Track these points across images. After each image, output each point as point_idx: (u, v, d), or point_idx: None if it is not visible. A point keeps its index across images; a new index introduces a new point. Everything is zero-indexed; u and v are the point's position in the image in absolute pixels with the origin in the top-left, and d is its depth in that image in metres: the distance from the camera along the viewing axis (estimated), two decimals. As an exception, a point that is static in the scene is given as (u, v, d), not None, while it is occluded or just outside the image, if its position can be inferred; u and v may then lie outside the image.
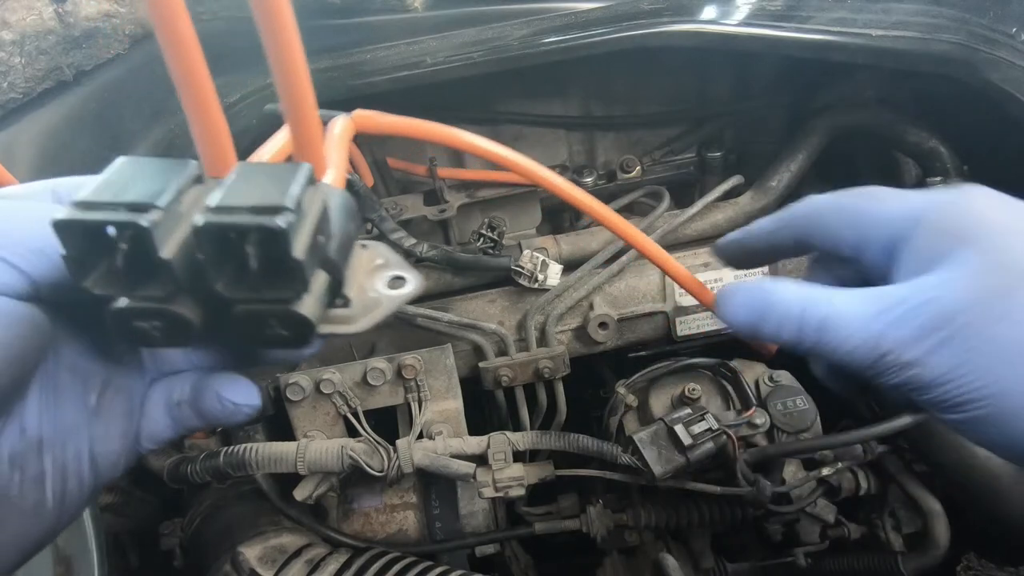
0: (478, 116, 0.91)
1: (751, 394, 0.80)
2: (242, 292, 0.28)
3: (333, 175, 0.36)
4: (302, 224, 0.27)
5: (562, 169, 0.96)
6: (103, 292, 0.28)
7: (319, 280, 0.30)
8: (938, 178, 0.85)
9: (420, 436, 0.75)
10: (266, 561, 0.71)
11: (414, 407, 0.75)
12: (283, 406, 0.75)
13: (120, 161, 0.29)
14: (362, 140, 0.85)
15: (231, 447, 0.72)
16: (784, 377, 0.83)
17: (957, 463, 0.79)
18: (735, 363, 0.82)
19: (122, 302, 0.28)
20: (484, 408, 0.85)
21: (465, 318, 0.76)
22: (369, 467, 0.71)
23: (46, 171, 0.64)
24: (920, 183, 0.87)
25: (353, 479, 0.79)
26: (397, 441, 0.73)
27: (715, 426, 0.72)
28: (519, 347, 0.77)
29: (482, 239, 0.79)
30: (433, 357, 0.75)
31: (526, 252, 0.77)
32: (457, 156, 0.93)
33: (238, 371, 0.37)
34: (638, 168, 0.95)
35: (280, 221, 0.26)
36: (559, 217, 0.99)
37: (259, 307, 0.29)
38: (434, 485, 0.82)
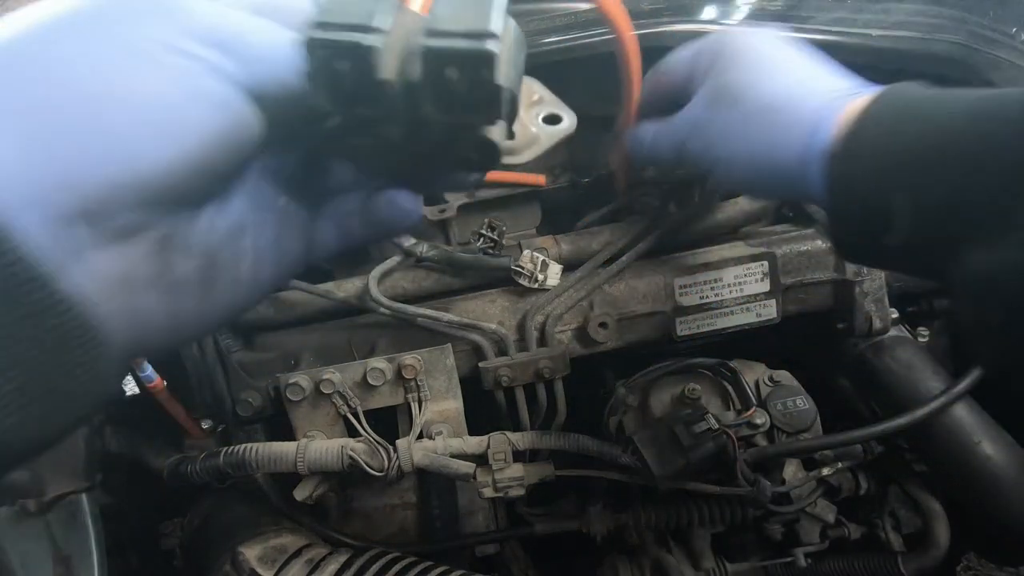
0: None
1: (751, 394, 0.80)
2: (444, 114, 0.31)
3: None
4: (503, 51, 0.28)
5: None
6: (331, 109, 0.31)
7: (506, 108, 0.31)
8: (938, 178, 0.85)
9: (420, 436, 0.75)
10: (266, 561, 0.71)
11: (414, 407, 0.75)
12: (283, 406, 0.75)
13: None
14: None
15: (231, 447, 0.72)
16: (784, 377, 0.83)
17: (957, 463, 0.79)
18: (735, 363, 0.82)
19: (337, 119, 0.31)
20: (484, 408, 0.85)
21: (465, 318, 0.76)
22: (369, 467, 0.71)
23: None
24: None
25: (353, 479, 0.79)
26: (397, 441, 0.73)
27: (715, 426, 0.72)
28: (519, 347, 0.77)
29: (482, 239, 0.79)
30: (433, 357, 0.75)
31: (526, 252, 0.77)
32: (457, 156, 0.92)
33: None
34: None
35: (492, 46, 0.28)
36: (559, 217, 0.99)
37: (456, 130, 0.32)
38: (434, 485, 0.82)
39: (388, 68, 0.29)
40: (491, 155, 0.33)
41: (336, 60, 0.29)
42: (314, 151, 0.38)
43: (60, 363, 0.27)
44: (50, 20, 0.29)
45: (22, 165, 0.26)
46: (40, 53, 0.28)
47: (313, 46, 0.29)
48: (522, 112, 0.32)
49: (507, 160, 0.34)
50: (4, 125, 0.26)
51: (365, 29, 0.28)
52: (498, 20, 0.29)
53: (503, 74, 0.29)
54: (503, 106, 0.30)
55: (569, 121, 0.41)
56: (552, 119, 0.34)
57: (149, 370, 0.76)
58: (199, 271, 0.34)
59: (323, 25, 0.29)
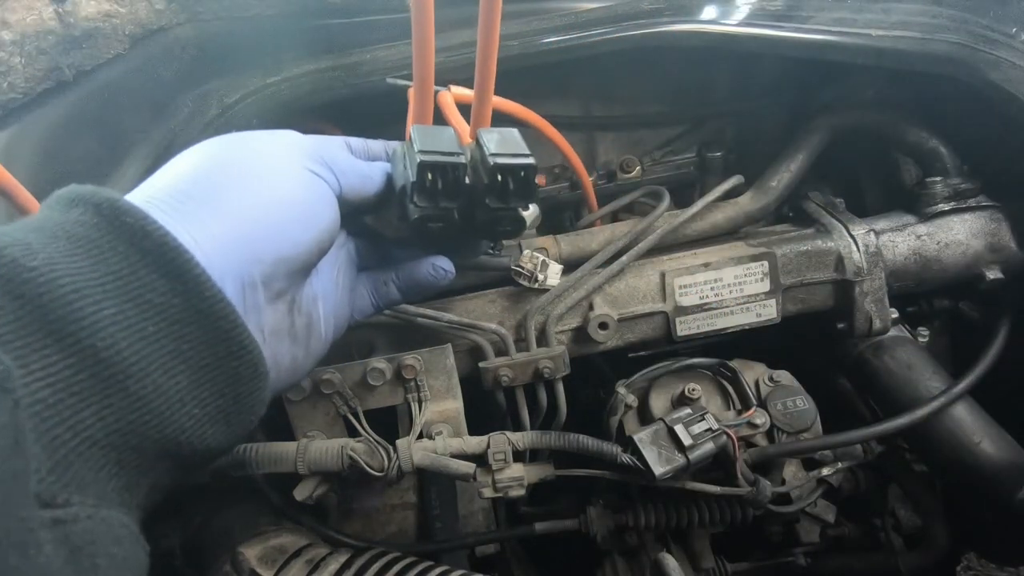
0: (478, 116, 0.91)
1: (751, 394, 0.80)
2: (496, 203, 0.50)
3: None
4: None
5: (562, 169, 0.96)
6: (424, 204, 0.48)
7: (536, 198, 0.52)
8: (938, 178, 0.85)
9: (420, 436, 0.75)
10: (266, 561, 0.71)
11: (414, 407, 0.75)
12: (283, 406, 0.75)
13: (416, 128, 0.50)
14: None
15: (231, 447, 0.72)
16: (784, 377, 0.83)
17: (957, 463, 0.79)
18: (735, 363, 0.82)
19: (418, 212, 0.48)
20: (484, 408, 0.85)
21: (465, 318, 0.76)
22: (369, 467, 0.71)
23: (46, 171, 0.64)
24: (920, 183, 0.87)
25: (353, 479, 0.79)
26: (397, 441, 0.73)
27: (715, 426, 0.72)
28: (519, 347, 0.77)
29: (482, 239, 0.79)
30: (433, 357, 0.75)
31: (526, 252, 0.77)
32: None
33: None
34: (638, 168, 0.95)
35: (533, 161, 0.50)
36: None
37: (501, 213, 0.51)
38: (434, 485, 0.82)
39: (469, 175, 0.50)
40: (520, 227, 0.54)
41: (435, 173, 0.48)
42: (374, 235, 0.57)
43: (242, 392, 0.37)
44: (223, 150, 0.43)
45: (224, 247, 0.38)
46: (225, 174, 0.41)
47: (423, 166, 0.47)
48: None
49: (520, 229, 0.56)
50: (213, 221, 0.38)
51: (454, 154, 0.48)
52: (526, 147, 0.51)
53: (534, 174, 0.50)
54: (536, 197, 0.51)
55: (536, 211, 0.73)
56: (528, 209, 0.57)
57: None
58: (305, 327, 0.47)
59: (426, 152, 0.47)
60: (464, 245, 0.61)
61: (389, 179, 0.52)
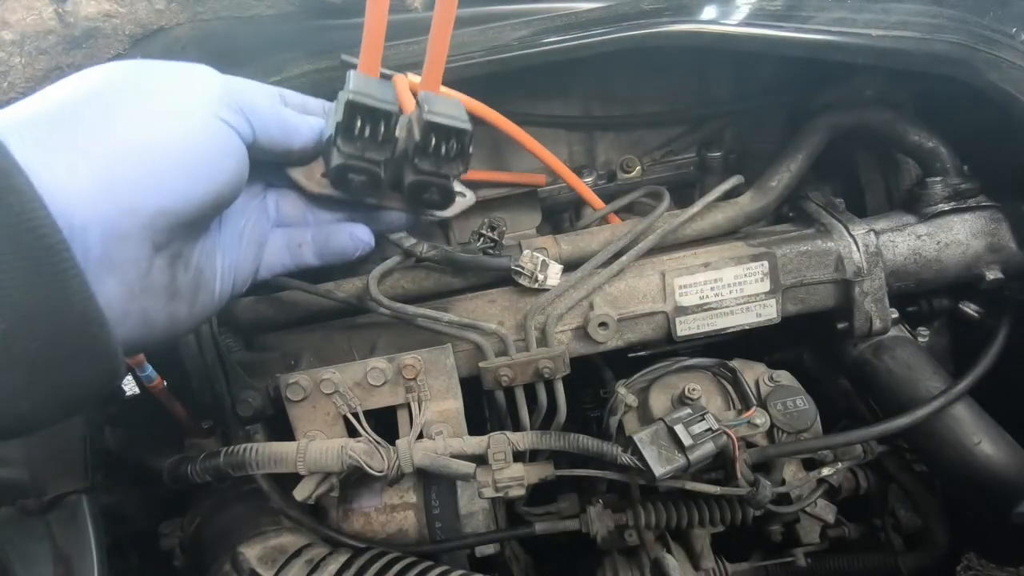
0: (478, 116, 0.91)
1: (751, 394, 0.80)
2: (427, 166, 0.48)
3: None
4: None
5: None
6: (349, 151, 0.46)
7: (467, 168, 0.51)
8: (938, 178, 0.85)
9: (420, 436, 0.75)
10: (266, 561, 0.71)
11: (414, 407, 0.75)
12: (283, 406, 0.75)
13: (355, 74, 0.48)
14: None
15: (231, 447, 0.72)
16: (784, 377, 0.83)
17: (957, 463, 0.79)
18: (735, 363, 0.82)
19: (341, 158, 0.46)
20: (484, 408, 0.85)
21: (465, 318, 0.76)
22: (369, 467, 0.71)
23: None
24: (920, 183, 0.87)
25: (353, 479, 0.79)
26: (397, 441, 0.73)
27: (715, 426, 0.72)
28: (519, 347, 0.77)
29: (482, 239, 0.79)
30: (433, 357, 0.75)
31: (526, 252, 0.77)
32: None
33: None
34: (638, 168, 0.95)
35: (469, 127, 0.48)
36: (559, 217, 0.99)
37: (430, 179, 0.49)
38: (434, 485, 0.82)
39: (400, 128, 0.47)
40: (448, 199, 0.52)
41: (364, 117, 0.45)
42: (296, 190, 0.52)
43: (71, 352, 0.33)
44: (113, 82, 0.38)
45: (91, 192, 0.34)
46: (108, 110, 0.36)
47: (351, 105, 0.44)
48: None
49: (438, 213, 0.56)
50: (83, 161, 0.34)
51: (387, 102, 0.45)
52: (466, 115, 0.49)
53: (469, 140, 0.48)
54: (467, 166, 0.49)
55: (471, 197, 0.62)
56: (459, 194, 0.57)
57: (149, 370, 0.76)
58: (192, 282, 0.43)
59: (357, 94, 0.44)
60: (388, 214, 0.57)
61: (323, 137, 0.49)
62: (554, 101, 0.93)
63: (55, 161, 0.33)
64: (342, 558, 0.71)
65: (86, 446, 0.75)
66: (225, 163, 0.41)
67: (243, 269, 0.50)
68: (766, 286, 0.79)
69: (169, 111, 0.38)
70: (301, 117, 0.48)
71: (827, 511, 0.89)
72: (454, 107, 0.48)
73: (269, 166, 0.50)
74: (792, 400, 0.80)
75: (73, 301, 0.32)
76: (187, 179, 0.38)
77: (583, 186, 0.85)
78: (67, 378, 0.33)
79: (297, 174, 0.52)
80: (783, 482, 0.81)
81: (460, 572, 0.69)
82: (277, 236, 0.53)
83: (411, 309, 0.75)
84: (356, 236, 0.53)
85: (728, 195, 0.85)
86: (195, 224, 0.41)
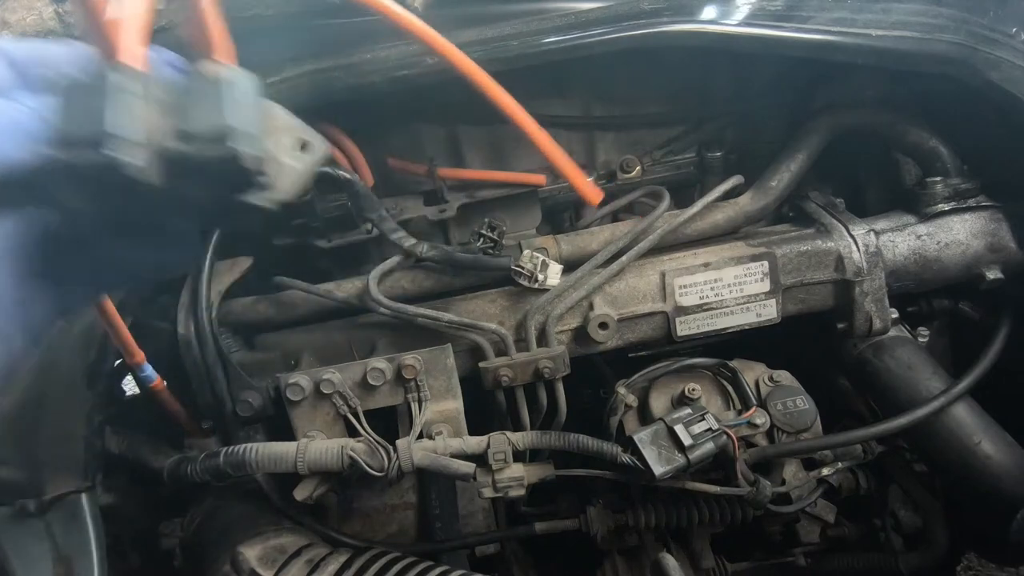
0: (478, 116, 0.91)
1: (751, 394, 0.80)
2: (205, 191, 0.34)
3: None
4: (240, 122, 0.32)
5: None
6: (85, 207, 0.32)
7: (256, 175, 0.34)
8: (938, 178, 0.85)
9: (420, 436, 0.75)
10: (266, 561, 0.71)
11: (414, 407, 0.75)
12: (283, 406, 0.75)
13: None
14: (363, 139, 0.85)
15: (231, 447, 0.72)
16: (784, 377, 0.83)
17: (957, 463, 0.79)
18: (735, 363, 0.82)
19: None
20: (484, 408, 0.85)
21: (465, 318, 0.76)
22: (369, 467, 0.71)
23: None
24: (920, 183, 0.87)
25: (353, 479, 0.79)
26: (397, 441, 0.73)
27: (715, 426, 0.72)
28: (519, 347, 0.77)
29: (482, 239, 0.79)
30: (433, 357, 0.75)
31: (526, 252, 0.77)
32: (457, 156, 0.92)
33: None
34: (638, 168, 0.95)
35: (235, 145, 0.32)
36: (559, 217, 0.99)
37: (220, 199, 0.34)
38: (434, 485, 0.82)
39: (144, 172, 0.30)
40: (255, 216, 0.35)
41: (88, 174, 0.30)
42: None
43: None
44: None
45: None
46: None
47: (58, 170, 0.29)
48: (270, 146, 0.35)
49: (271, 197, 0.35)
50: None
51: (107, 137, 0.29)
52: (232, 109, 0.32)
53: (248, 155, 0.32)
54: (254, 177, 0.33)
55: (321, 146, 0.38)
56: (304, 146, 0.37)
57: (149, 370, 0.76)
58: None
59: (65, 142, 0.29)
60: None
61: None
62: (554, 101, 0.93)
63: None
64: (342, 558, 0.71)
65: (86, 446, 0.75)
66: None
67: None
68: (766, 286, 0.79)
69: None
70: (16, 106, 0.32)
71: (827, 511, 0.89)
72: (212, 95, 0.33)
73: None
74: (792, 400, 0.80)
75: None
76: None
77: (576, 171, 0.70)
78: None
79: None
80: (783, 482, 0.81)
81: (460, 572, 0.69)
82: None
83: (411, 309, 0.75)
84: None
85: (728, 195, 0.85)
86: None
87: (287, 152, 0.36)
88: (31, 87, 0.33)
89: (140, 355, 0.75)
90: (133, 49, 0.32)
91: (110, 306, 0.69)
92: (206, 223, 0.40)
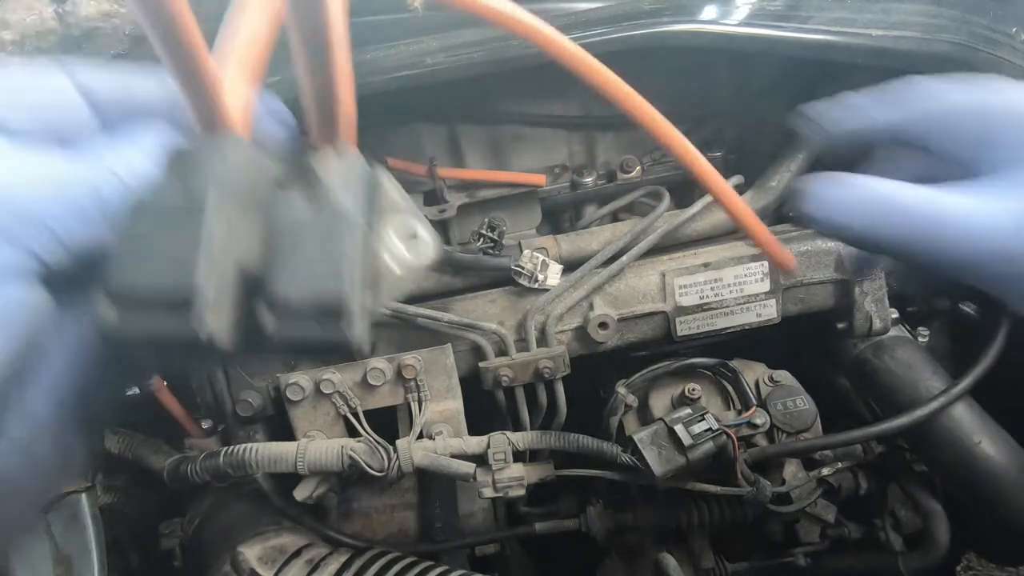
0: (478, 116, 0.91)
1: (751, 394, 0.80)
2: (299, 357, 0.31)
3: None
4: (355, 271, 0.25)
5: (562, 169, 0.96)
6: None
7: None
8: (938, 178, 0.85)
9: (420, 436, 0.75)
10: (266, 561, 0.71)
11: (414, 407, 0.75)
12: (283, 406, 0.75)
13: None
14: (362, 139, 0.85)
15: (231, 447, 0.72)
16: (784, 377, 0.83)
17: (957, 463, 0.79)
18: (735, 363, 0.82)
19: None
20: (484, 408, 0.85)
21: (465, 318, 0.76)
22: (369, 467, 0.71)
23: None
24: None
25: (353, 479, 0.79)
26: (397, 441, 0.73)
27: (715, 426, 0.72)
28: (519, 347, 0.77)
29: (482, 239, 0.79)
30: (433, 357, 0.75)
31: (526, 252, 0.77)
32: (457, 156, 0.92)
33: None
34: (638, 168, 0.95)
35: (348, 332, 0.24)
36: (559, 217, 0.99)
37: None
38: (434, 485, 0.82)
39: (221, 342, 0.22)
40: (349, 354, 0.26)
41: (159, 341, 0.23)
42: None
43: None
44: None
45: None
46: None
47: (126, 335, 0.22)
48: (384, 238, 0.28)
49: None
50: None
51: (186, 303, 0.21)
52: (351, 271, 0.23)
53: (359, 339, 0.23)
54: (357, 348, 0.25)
55: (432, 242, 0.30)
56: (413, 237, 0.29)
57: (149, 370, 0.76)
58: None
59: (133, 301, 0.22)
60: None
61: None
62: (554, 101, 0.93)
63: None
64: (342, 558, 0.71)
65: (86, 446, 0.74)
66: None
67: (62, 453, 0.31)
68: (766, 286, 0.79)
69: None
70: (96, 165, 0.26)
71: (827, 511, 0.89)
72: (329, 252, 0.24)
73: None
74: (792, 400, 0.80)
75: None
76: None
77: (768, 237, 0.53)
78: None
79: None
80: (783, 482, 0.81)
81: (460, 572, 0.69)
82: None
83: (411, 309, 0.76)
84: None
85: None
86: None
87: (391, 247, 0.28)
88: (114, 134, 0.27)
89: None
90: (241, 108, 0.23)
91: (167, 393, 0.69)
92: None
